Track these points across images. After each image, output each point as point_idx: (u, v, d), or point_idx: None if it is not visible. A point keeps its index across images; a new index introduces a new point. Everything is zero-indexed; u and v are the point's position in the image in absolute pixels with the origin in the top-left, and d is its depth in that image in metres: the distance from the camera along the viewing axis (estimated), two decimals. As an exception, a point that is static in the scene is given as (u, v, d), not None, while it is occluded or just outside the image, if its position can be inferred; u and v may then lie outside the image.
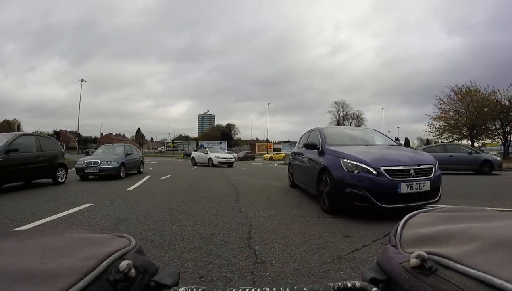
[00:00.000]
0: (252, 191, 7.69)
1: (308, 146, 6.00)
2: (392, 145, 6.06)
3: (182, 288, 0.40)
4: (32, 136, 9.25)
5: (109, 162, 10.97)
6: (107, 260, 0.38)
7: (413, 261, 0.38)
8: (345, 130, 7.76)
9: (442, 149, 15.81)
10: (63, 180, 9.57)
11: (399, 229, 0.49)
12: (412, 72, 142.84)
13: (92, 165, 10.77)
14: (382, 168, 4.26)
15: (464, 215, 0.50)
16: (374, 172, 4.24)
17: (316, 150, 5.66)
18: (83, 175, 10.80)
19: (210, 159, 21.05)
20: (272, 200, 6.17)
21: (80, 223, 4.15)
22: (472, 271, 0.33)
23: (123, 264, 0.38)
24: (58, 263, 0.36)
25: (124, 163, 11.69)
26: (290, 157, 8.65)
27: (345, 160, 4.53)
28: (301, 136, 7.98)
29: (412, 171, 4.34)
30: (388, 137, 6.91)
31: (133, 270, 0.38)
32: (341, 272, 2.43)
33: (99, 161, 10.87)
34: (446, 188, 7.11)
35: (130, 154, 12.92)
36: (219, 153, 22.67)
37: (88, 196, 6.56)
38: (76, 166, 10.99)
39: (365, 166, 4.33)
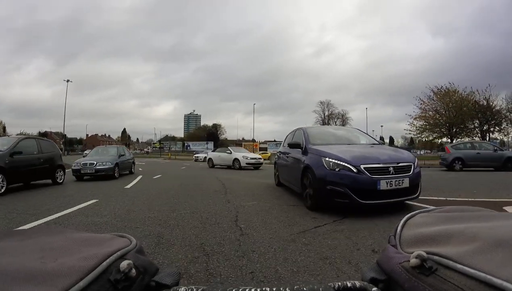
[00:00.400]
0: (239, 187, 8.53)
1: (292, 145, 6.12)
2: (374, 144, 6.16)
3: (182, 288, 0.41)
4: (33, 139, 9.82)
5: (104, 163, 11.57)
6: (108, 260, 0.38)
7: (413, 261, 0.38)
8: (329, 130, 7.98)
9: (470, 146, 16.52)
10: (61, 181, 10.12)
11: (399, 228, 0.49)
12: (397, 73, 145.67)
13: (88, 166, 11.36)
14: (362, 166, 4.41)
15: (464, 215, 0.50)
16: (355, 170, 4.39)
17: (300, 149, 5.78)
18: (79, 176, 11.35)
19: (236, 159, 17.85)
20: (256, 194, 7.05)
21: (94, 214, 4.88)
22: (472, 271, 0.33)
23: (124, 264, 0.38)
24: (58, 263, 0.36)
25: (118, 164, 12.31)
26: (276, 156, 8.84)
27: (326, 159, 4.65)
28: (286, 136, 8.12)
29: (391, 168, 4.50)
30: (371, 136, 7.02)
31: (133, 270, 0.39)
32: (304, 239, 3.34)
33: (95, 162, 11.46)
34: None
35: (123, 155, 13.54)
36: (245, 152, 19.70)
37: (91, 194, 7.19)
38: (73, 167, 11.52)
39: (345, 164, 4.46)
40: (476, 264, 0.34)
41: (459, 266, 0.34)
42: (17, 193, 7.63)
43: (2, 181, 7.45)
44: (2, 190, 7.34)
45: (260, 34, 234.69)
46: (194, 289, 0.40)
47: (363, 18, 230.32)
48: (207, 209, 5.17)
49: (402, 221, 0.51)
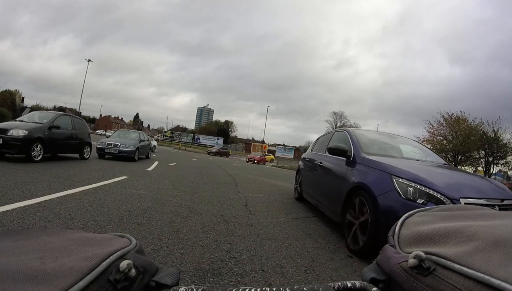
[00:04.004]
0: (247, 181, 9.82)
1: (333, 151, 4.46)
2: (444, 164, 4.59)
3: (182, 288, 0.41)
4: (68, 116, 10.78)
5: (127, 146, 12.59)
6: (108, 260, 0.38)
7: (411, 261, 0.38)
8: (382, 136, 5.48)
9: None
10: (87, 156, 11.17)
11: (397, 228, 0.49)
12: (412, 94, 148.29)
13: (112, 146, 12.37)
14: (462, 201, 2.90)
15: (463, 214, 0.50)
16: None
17: (344, 158, 4.25)
18: (102, 154, 12.37)
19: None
20: (261, 188, 8.32)
21: (130, 186, 5.99)
22: (470, 271, 0.33)
23: (124, 264, 0.38)
24: (58, 263, 0.36)
25: (138, 148, 13.33)
26: (300, 162, 7.18)
27: (400, 180, 3.12)
28: (317, 139, 6.87)
29: (496, 207, 3.01)
30: (435, 153, 5.43)
31: (133, 270, 0.39)
32: (296, 221, 4.53)
33: (119, 144, 12.48)
34: None
35: (143, 140, 14.60)
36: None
37: (119, 171, 8.23)
38: (97, 146, 12.42)
39: (435, 194, 2.93)
40: (474, 264, 0.34)
41: (457, 266, 0.34)
42: (50, 163, 8.36)
43: (40, 150, 8.42)
44: (39, 158, 8.29)
45: (286, 39, 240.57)
46: (194, 289, 0.41)
47: (386, 38, 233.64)
48: (223, 195, 6.34)
49: (400, 221, 0.51)
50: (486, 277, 0.31)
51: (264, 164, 35.40)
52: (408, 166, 3.49)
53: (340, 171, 4.20)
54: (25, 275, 0.33)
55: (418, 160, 4.38)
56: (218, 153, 44.61)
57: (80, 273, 0.35)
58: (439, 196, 2.90)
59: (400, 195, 3.01)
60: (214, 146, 54.93)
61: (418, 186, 2.99)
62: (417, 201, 2.93)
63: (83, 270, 0.35)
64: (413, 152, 5.01)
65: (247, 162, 34.21)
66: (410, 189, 3.00)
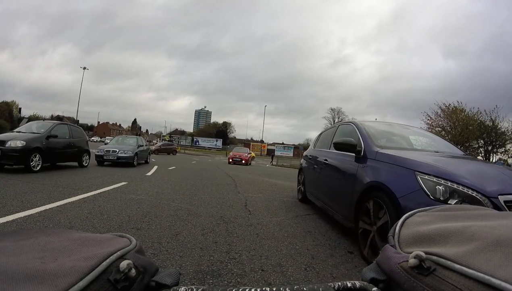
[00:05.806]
0: (246, 182, 9.84)
1: (340, 146, 3.92)
2: (465, 155, 4.26)
3: (182, 288, 0.41)
4: (66, 125, 10.82)
5: (125, 152, 12.60)
6: (108, 260, 0.38)
7: (412, 261, 0.38)
8: (393, 127, 4.90)
9: None
10: (86, 164, 11.13)
11: (397, 228, 0.49)
12: (409, 88, 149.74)
13: (111, 153, 12.40)
14: (501, 198, 2.42)
15: (463, 214, 0.50)
16: (489, 206, 2.38)
17: (353, 154, 3.79)
18: (101, 161, 12.38)
19: None
20: (261, 188, 8.33)
21: (129, 192, 6.01)
22: (470, 271, 0.33)
23: (124, 264, 0.38)
24: (58, 263, 0.36)
25: (137, 153, 13.35)
26: (302, 160, 6.73)
27: (426, 177, 2.65)
28: (319, 134, 6.51)
29: None
30: (452, 143, 4.94)
31: (133, 270, 0.39)
32: (295, 220, 4.56)
33: (117, 150, 12.49)
34: None
35: (141, 146, 14.65)
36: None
37: (118, 178, 8.23)
38: (96, 153, 12.39)
39: (470, 193, 2.45)
40: (474, 264, 0.34)
41: (457, 266, 0.34)
42: (49, 172, 8.35)
43: (39, 160, 8.40)
44: (38, 168, 8.27)
45: (285, 40, 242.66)
46: (194, 289, 0.41)
47: (381, 36, 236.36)
48: (222, 196, 6.36)
49: (400, 221, 0.51)
50: (487, 277, 0.31)
51: (250, 164, 26.46)
52: (432, 159, 3.02)
53: (350, 168, 3.74)
54: (25, 275, 0.33)
55: (437, 152, 3.83)
56: (161, 151, 36.03)
57: (80, 273, 0.35)
58: (474, 194, 2.43)
59: (428, 195, 2.53)
60: (157, 143, 47.54)
61: (449, 184, 2.51)
62: (449, 202, 2.45)
63: (83, 270, 0.35)
64: (428, 143, 4.52)
65: (229, 163, 23.58)
66: (440, 187, 2.52)
